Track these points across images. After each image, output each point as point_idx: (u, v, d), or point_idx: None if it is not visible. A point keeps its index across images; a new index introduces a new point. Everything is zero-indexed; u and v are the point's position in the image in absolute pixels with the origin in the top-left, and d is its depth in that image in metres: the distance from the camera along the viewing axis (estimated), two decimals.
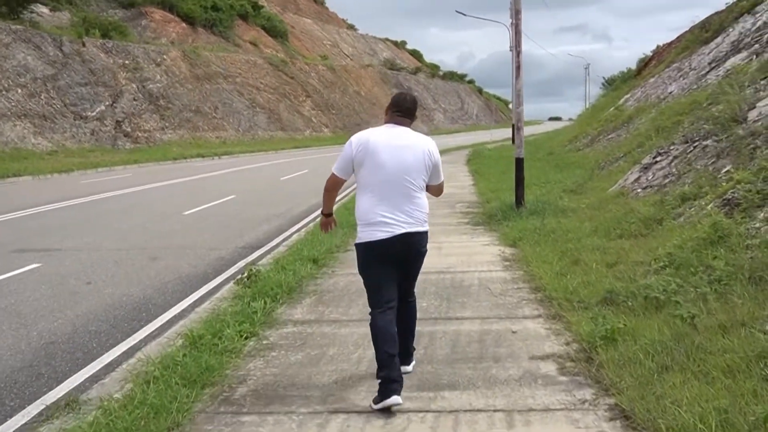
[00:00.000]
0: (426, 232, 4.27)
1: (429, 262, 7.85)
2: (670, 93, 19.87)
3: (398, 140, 4.08)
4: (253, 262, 8.69)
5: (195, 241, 10.65)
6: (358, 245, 4.19)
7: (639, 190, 10.13)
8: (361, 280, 4.29)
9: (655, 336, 4.24)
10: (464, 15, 43.85)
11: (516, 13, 10.74)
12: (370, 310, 4.16)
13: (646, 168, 11.00)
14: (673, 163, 10.10)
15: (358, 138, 4.16)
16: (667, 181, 9.57)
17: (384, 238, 4.01)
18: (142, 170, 29.63)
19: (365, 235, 4.09)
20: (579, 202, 10.89)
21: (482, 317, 5.46)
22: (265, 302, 5.84)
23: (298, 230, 11.37)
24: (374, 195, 4.06)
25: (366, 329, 4.83)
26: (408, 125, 4.19)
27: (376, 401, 3.85)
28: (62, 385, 4.74)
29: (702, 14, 35.03)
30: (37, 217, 13.62)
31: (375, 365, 4.04)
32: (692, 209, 7.57)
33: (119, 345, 5.57)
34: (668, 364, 3.87)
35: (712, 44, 20.32)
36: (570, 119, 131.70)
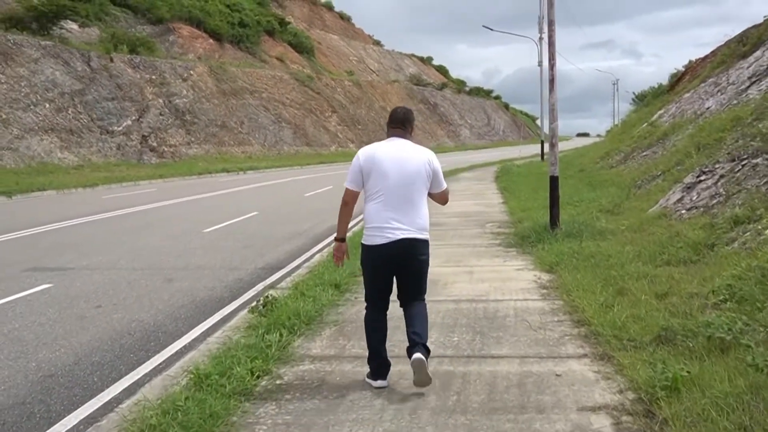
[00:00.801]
0: (426, 241, 4.50)
1: (460, 289, 7.52)
2: (708, 108, 19.14)
3: (400, 152, 4.43)
4: (273, 285, 8.23)
5: (214, 261, 10.21)
6: (362, 245, 4.60)
7: (683, 212, 9.49)
8: None
9: (726, 387, 3.65)
10: (491, 30, 43.38)
11: (549, 24, 10.19)
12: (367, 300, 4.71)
13: (689, 188, 10.36)
14: (719, 183, 9.45)
15: (365, 151, 4.51)
16: (714, 202, 8.93)
17: (384, 243, 4.39)
18: (167, 185, 29.50)
19: (369, 238, 4.50)
20: (617, 223, 10.26)
21: (521, 356, 4.89)
22: (281, 334, 5.33)
23: (321, 250, 10.89)
24: (379, 202, 4.41)
25: (392, 370, 4.63)
26: (405, 135, 4.54)
27: (369, 376, 4.53)
28: (54, 428, 4.27)
29: (732, 30, 34.27)
30: (54, 234, 13.31)
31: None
32: (747, 234, 6.94)
33: (121, 380, 5.10)
34: (747, 425, 3.29)
35: (751, 58, 19.59)
36: (598, 135, 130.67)
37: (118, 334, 6.40)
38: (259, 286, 8.30)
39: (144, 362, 5.53)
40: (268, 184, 28.23)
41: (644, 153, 20.08)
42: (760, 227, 6.78)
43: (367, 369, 4.60)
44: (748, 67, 18.93)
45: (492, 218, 13.73)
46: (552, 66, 9.78)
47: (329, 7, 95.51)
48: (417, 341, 4.34)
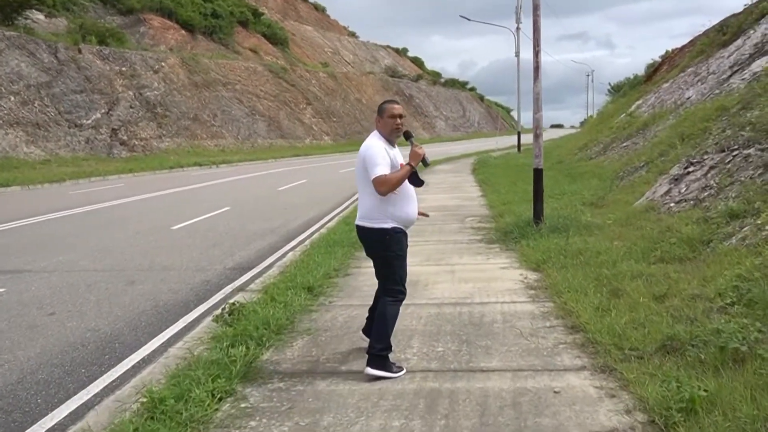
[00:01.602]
0: (368, 228, 4.59)
1: (443, 291, 6.96)
2: (688, 98, 18.88)
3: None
4: (242, 287, 7.70)
5: (180, 261, 9.64)
6: None
7: (672, 205, 9.11)
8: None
9: (751, 410, 3.21)
10: (469, 20, 42.85)
11: (534, 9, 9.69)
12: None
13: (676, 179, 9.98)
14: (709, 175, 9.08)
15: None
16: (705, 194, 8.55)
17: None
18: (137, 180, 28.68)
19: None
20: (603, 217, 9.86)
21: (513, 369, 4.43)
22: (248, 347, 4.81)
23: (293, 248, 10.35)
24: None
25: (370, 387, 4.21)
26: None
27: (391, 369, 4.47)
28: None
29: (707, 22, 34.15)
30: (14, 233, 12.62)
31: None
32: (746, 229, 6.55)
33: (68, 402, 4.55)
34: None
35: (732, 47, 19.36)
36: (572, 126, 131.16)
37: (71, 345, 5.84)
38: (228, 289, 7.76)
39: (96, 379, 4.98)
40: (241, 178, 27.55)
41: (624, 144, 19.79)
42: (759, 222, 6.39)
43: (346, 387, 4.13)
44: (729, 56, 18.69)
45: (471, 212, 13.28)
46: (537, 53, 9.31)
47: None
48: (366, 349, 4.52)
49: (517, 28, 38.23)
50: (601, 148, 22.20)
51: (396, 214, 4.50)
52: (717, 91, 16.23)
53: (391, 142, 4.57)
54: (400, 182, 4.40)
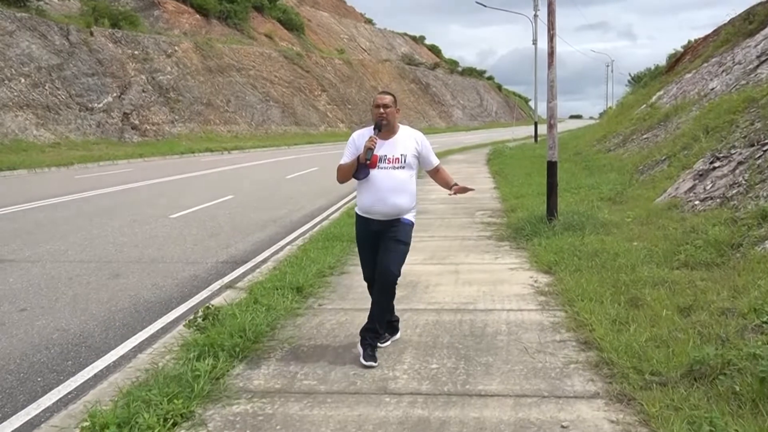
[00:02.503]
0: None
1: (444, 295, 6.24)
2: (712, 89, 18.07)
3: None
4: (231, 284, 7.18)
5: (172, 253, 9.14)
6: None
7: (696, 203, 8.46)
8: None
9: None
10: (485, 6, 42.00)
11: (549, 4, 9.05)
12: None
13: (701, 175, 9.32)
14: (738, 171, 8.41)
15: None
16: (733, 192, 7.89)
17: None
18: (146, 165, 28.30)
19: None
20: (621, 214, 9.23)
21: (515, 394, 3.84)
22: (216, 359, 4.26)
23: (293, 241, 9.82)
24: None
25: (348, 414, 3.67)
26: None
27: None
28: None
29: (729, 11, 32.99)
30: (7, 218, 12.18)
31: None
32: None
33: (12, 418, 4.04)
34: None
35: (759, 36, 18.50)
36: (591, 117, 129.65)
37: (34, 347, 5.34)
38: (215, 285, 7.24)
39: (50, 390, 4.47)
40: (250, 165, 27.07)
41: (645, 136, 19.03)
42: None
43: (321, 412, 3.58)
44: (756, 46, 17.85)
45: (483, 206, 12.65)
46: (551, 37, 8.66)
47: None
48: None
49: (535, 15, 37.42)
50: (621, 140, 21.43)
51: (358, 201, 4.80)
52: (743, 82, 15.45)
53: (380, 130, 4.58)
54: (343, 172, 4.70)
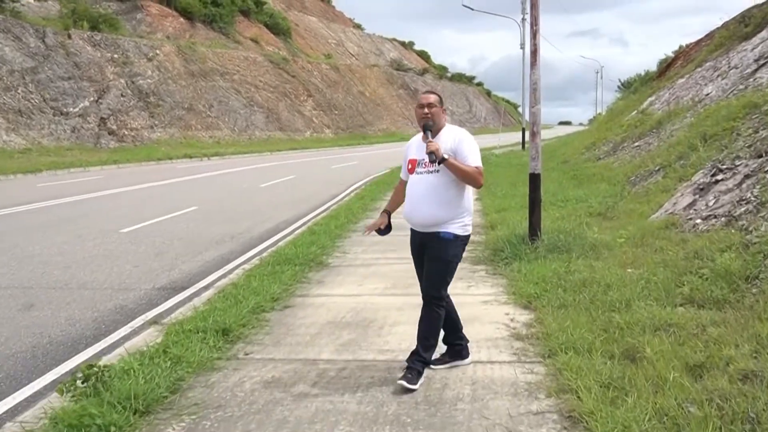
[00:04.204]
0: None
1: (401, 337, 5.08)
2: (707, 95, 17.15)
3: None
4: (156, 319, 6.10)
5: (105, 276, 8.05)
6: (463, 236, 4.36)
7: (698, 221, 7.45)
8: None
9: None
10: (472, 9, 41.08)
11: None
12: (445, 295, 4.40)
13: (702, 189, 8.33)
14: (745, 185, 7.41)
15: None
16: (741, 210, 6.89)
17: None
18: (119, 172, 27.13)
19: (471, 228, 4.44)
20: (613, 232, 8.20)
21: None
22: None
23: (248, 260, 8.76)
24: None
25: None
26: None
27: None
28: None
29: (720, 17, 32.23)
30: None
31: None
32: None
33: None
34: None
35: (756, 39, 17.62)
36: (581, 123, 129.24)
37: None
38: (138, 321, 6.16)
39: None
40: (227, 172, 25.94)
41: (636, 143, 18.08)
42: None
43: None
44: (753, 49, 16.96)
45: None
46: (534, 33, 7.63)
47: None
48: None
49: (522, 19, 36.57)
50: (611, 148, 20.49)
51: None
52: (741, 87, 14.54)
53: (431, 132, 4.32)
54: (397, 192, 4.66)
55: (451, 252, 4.27)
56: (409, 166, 4.38)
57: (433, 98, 4.36)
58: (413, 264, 4.56)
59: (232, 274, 7.84)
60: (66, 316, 6.36)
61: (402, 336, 5.15)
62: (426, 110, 4.28)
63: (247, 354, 4.78)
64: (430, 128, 4.27)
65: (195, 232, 11.35)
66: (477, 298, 6.23)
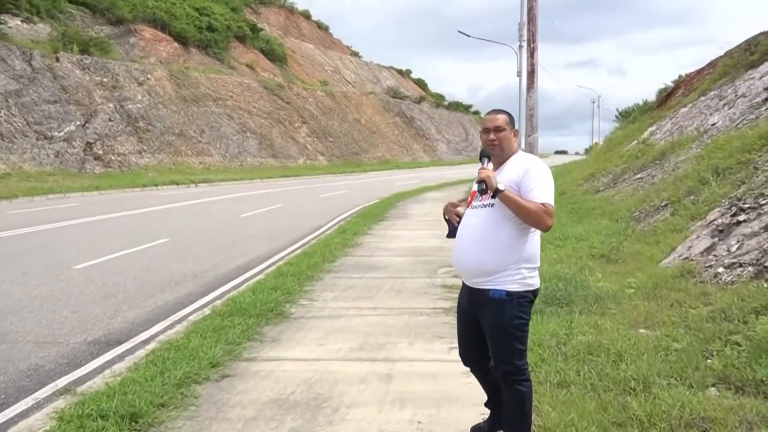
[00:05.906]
0: None
1: (353, 426, 3.79)
2: (713, 125, 16.21)
3: None
4: (70, 387, 4.99)
5: (33, 325, 6.96)
6: (531, 292, 3.39)
7: (719, 270, 6.40)
8: None
9: None
10: (468, 36, 40.49)
11: (529, 10, 7.10)
12: (524, 367, 3.41)
13: (721, 231, 7.29)
14: None
15: None
16: None
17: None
18: (99, 199, 26.06)
19: (537, 280, 3.46)
20: (621, 280, 7.14)
21: None
22: None
23: (205, 305, 7.67)
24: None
25: None
26: None
27: None
28: None
29: (719, 48, 31.52)
30: None
31: None
32: None
33: None
34: None
35: (764, 67, 16.74)
36: (577, 153, 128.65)
37: None
38: (47, 390, 5.05)
39: None
40: (211, 200, 24.89)
41: (638, 175, 17.08)
42: None
43: None
44: (761, 77, 16.06)
45: (449, 260, 10.55)
46: (532, 52, 6.69)
47: (306, 16, 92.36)
48: None
49: (519, 46, 35.87)
50: (611, 179, 19.49)
51: None
52: (752, 116, 13.61)
53: (489, 160, 3.45)
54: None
55: (508, 314, 3.31)
56: (469, 200, 3.61)
57: (501, 119, 3.47)
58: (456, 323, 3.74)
59: (179, 326, 6.75)
60: None
61: (357, 425, 4.04)
62: (492, 135, 3.43)
63: None
64: (488, 155, 3.43)
65: (155, 269, 10.27)
66: (459, 367, 5.13)
